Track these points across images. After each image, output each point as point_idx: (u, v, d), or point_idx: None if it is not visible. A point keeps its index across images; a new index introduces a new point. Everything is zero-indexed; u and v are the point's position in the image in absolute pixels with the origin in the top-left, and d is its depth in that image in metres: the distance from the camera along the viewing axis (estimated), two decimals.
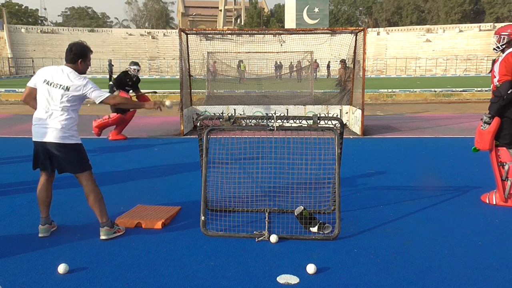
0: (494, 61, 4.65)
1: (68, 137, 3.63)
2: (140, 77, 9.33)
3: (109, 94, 3.77)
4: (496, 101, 4.44)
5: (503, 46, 4.57)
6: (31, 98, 3.77)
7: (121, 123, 8.68)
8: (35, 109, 3.76)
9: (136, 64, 9.15)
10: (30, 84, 3.76)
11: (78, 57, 3.69)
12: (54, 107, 3.61)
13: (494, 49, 4.68)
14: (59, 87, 3.60)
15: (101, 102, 3.72)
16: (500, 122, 4.53)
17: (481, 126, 4.63)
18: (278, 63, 17.31)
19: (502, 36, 4.57)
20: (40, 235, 3.84)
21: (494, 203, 4.68)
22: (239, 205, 4.47)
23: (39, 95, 3.67)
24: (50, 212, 3.97)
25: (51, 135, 3.60)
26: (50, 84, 3.62)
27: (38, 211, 3.95)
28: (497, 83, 4.43)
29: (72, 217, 4.33)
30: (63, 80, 3.62)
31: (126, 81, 8.94)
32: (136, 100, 8.97)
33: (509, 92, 4.34)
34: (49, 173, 3.83)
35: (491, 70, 4.62)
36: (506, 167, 4.57)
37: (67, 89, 3.60)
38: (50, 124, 3.60)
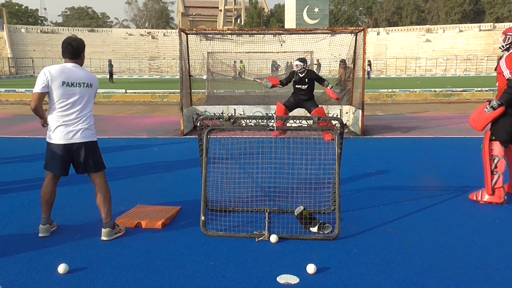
0: (499, 59, 4.74)
1: (94, 134, 3.73)
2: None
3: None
4: (510, 92, 4.47)
5: (507, 46, 4.66)
6: (41, 105, 3.63)
7: None
8: (42, 117, 3.68)
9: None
10: (38, 89, 3.55)
11: (81, 50, 3.70)
12: (83, 106, 3.64)
13: (499, 47, 4.78)
14: (83, 86, 3.64)
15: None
16: (503, 112, 4.59)
17: (486, 108, 4.69)
18: (278, 64, 17.30)
19: (508, 36, 4.67)
20: (40, 234, 3.83)
21: (479, 199, 4.76)
22: (239, 205, 4.47)
23: (57, 98, 3.57)
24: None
25: (83, 134, 3.64)
26: (71, 85, 3.58)
27: (38, 211, 3.95)
28: (510, 76, 4.45)
29: (72, 217, 4.33)
30: (82, 77, 3.63)
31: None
32: None
33: None
34: (63, 175, 3.83)
35: (496, 67, 4.68)
36: (496, 160, 4.66)
37: (91, 86, 3.70)
38: (80, 124, 3.62)
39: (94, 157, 3.74)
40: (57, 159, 3.67)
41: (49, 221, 3.89)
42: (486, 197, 4.72)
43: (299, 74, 8.54)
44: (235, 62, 17.20)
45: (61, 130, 3.60)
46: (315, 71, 13.45)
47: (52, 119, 3.63)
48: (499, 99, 4.60)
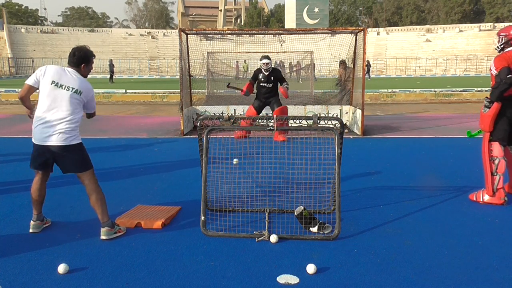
0: None
1: (72, 138, 3.64)
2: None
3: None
4: (497, 86, 4.54)
5: (502, 46, 4.74)
6: (28, 97, 3.74)
7: None
8: (29, 108, 3.84)
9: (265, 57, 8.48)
10: (30, 82, 3.67)
11: (81, 61, 3.73)
12: (61, 109, 3.60)
13: (495, 49, 4.86)
14: (71, 90, 3.61)
15: (89, 115, 3.96)
16: (500, 112, 4.63)
17: (483, 109, 4.76)
18: (278, 63, 17.31)
19: (501, 37, 4.77)
20: (30, 230, 3.88)
21: (480, 199, 4.76)
22: (239, 205, 4.47)
23: (43, 95, 3.63)
24: (49, 212, 4.00)
25: (56, 138, 3.59)
26: (60, 86, 3.60)
27: None
28: (495, 72, 4.56)
29: (72, 217, 4.33)
30: (74, 83, 3.63)
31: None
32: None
33: (508, 76, 4.44)
34: (48, 172, 3.86)
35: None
36: (496, 161, 4.68)
37: (79, 93, 3.65)
38: (55, 127, 3.59)
39: (74, 159, 3.68)
40: (38, 158, 3.73)
41: (40, 217, 3.92)
42: (486, 198, 4.73)
43: (265, 72, 8.41)
44: (237, 62, 17.20)
45: (39, 129, 3.63)
46: (311, 71, 13.36)
47: (36, 116, 3.67)
48: (489, 97, 4.67)
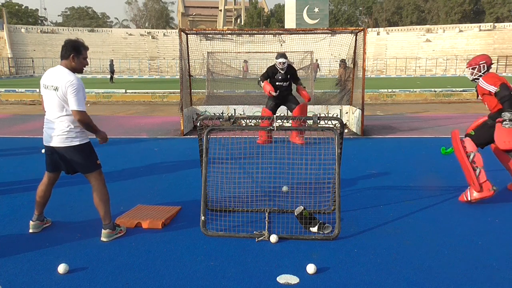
0: (476, 87, 4.96)
1: (71, 139, 3.60)
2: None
3: (84, 109, 3.52)
4: (508, 98, 4.54)
5: (485, 72, 4.87)
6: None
7: None
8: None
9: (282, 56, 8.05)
10: (40, 91, 3.77)
11: (70, 51, 3.57)
12: (54, 109, 3.59)
13: (474, 80, 4.95)
14: (52, 89, 3.55)
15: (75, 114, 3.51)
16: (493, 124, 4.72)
17: (504, 125, 4.57)
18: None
19: (481, 65, 4.86)
20: (30, 230, 3.89)
21: (469, 198, 4.72)
22: (239, 205, 4.47)
23: (44, 99, 3.68)
24: (50, 212, 4.01)
25: (56, 140, 3.60)
26: (47, 88, 3.60)
27: None
28: (495, 88, 4.60)
29: (72, 217, 4.33)
30: (54, 80, 3.55)
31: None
32: None
33: None
34: (57, 176, 3.88)
35: (478, 95, 4.94)
36: (472, 156, 4.71)
37: (56, 89, 3.52)
38: (54, 128, 3.60)
39: (76, 160, 3.66)
40: (47, 158, 3.80)
41: (40, 218, 3.93)
42: (475, 194, 4.68)
43: (281, 70, 8.06)
44: (245, 61, 17.07)
45: (44, 131, 3.70)
46: (314, 72, 13.27)
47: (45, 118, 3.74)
48: (508, 109, 4.53)
